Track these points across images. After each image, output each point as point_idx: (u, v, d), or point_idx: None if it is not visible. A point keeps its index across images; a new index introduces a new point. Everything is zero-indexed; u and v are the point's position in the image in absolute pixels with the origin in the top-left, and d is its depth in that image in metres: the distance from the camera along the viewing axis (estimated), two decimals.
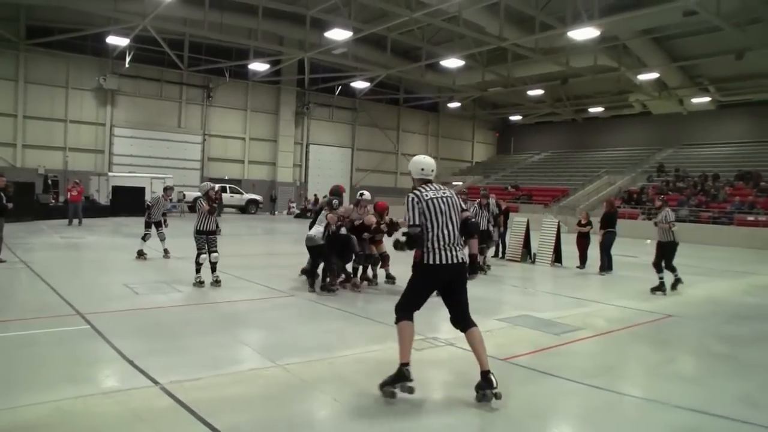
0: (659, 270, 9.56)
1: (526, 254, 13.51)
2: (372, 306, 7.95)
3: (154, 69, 30.44)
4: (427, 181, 4.46)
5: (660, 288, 9.56)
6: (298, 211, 31.99)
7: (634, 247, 13.09)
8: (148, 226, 11.67)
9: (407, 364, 4.20)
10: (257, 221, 26.25)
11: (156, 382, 4.33)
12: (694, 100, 31.99)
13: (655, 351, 6.14)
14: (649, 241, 21.33)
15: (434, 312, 7.41)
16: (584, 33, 21.08)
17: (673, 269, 9.68)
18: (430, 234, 4.31)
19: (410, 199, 4.37)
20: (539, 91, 32.86)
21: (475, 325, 4.33)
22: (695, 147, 34.02)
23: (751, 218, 23.35)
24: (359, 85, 34.03)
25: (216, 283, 8.44)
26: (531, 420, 4.08)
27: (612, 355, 5.94)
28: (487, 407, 4.14)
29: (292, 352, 5.36)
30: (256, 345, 5.80)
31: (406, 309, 4.35)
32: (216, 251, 8.48)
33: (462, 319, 4.38)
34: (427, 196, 4.36)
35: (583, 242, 12.84)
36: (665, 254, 9.62)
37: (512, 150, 45.37)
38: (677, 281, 9.80)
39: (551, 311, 7.76)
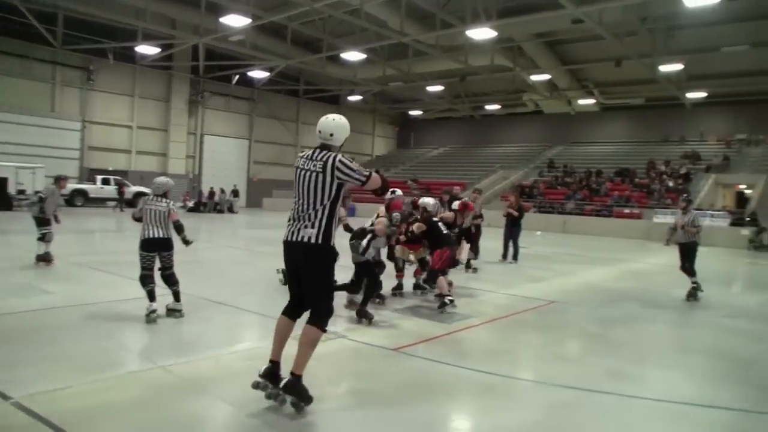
0: (691, 273, 9.03)
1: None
2: (267, 300, 7.55)
3: (17, 43, 26.72)
4: (324, 146, 3.90)
5: (697, 289, 9.03)
6: (191, 205, 30.37)
7: (525, 238, 13.81)
8: (42, 223, 9.51)
9: (272, 362, 3.92)
10: None
11: (7, 398, 3.72)
12: (581, 102, 34.26)
13: (539, 335, 6.51)
14: (539, 232, 22.48)
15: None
16: (482, 33, 21.72)
17: (691, 273, 8.97)
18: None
19: None
20: (439, 88, 33.54)
21: (313, 324, 3.80)
22: (581, 145, 36.39)
23: (627, 211, 25.49)
24: (257, 74, 32.88)
25: (175, 312, 6.27)
26: (419, 405, 4.06)
27: (499, 340, 6.17)
28: (376, 398, 4.08)
29: (176, 351, 5.00)
30: (137, 346, 5.32)
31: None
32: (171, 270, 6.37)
33: (300, 309, 3.95)
34: (297, 163, 3.93)
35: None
36: (686, 254, 9.03)
37: (412, 144, 46.10)
38: (692, 292, 8.95)
39: None
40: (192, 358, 4.85)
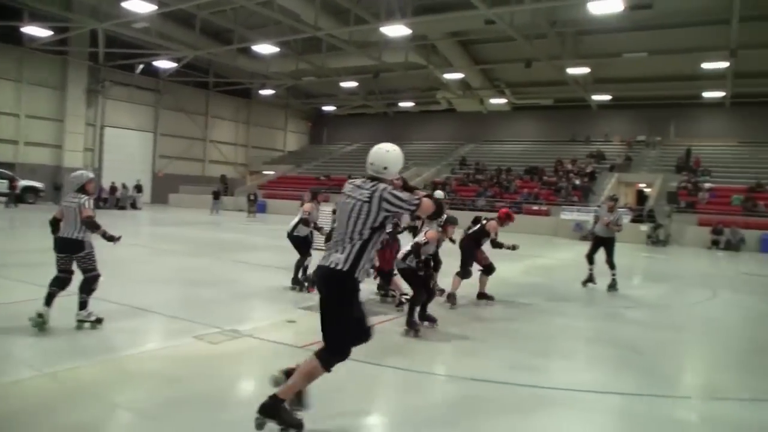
0: (591, 262, 9.82)
1: None
2: (172, 299, 7.27)
3: None
4: (375, 178, 3.53)
5: (591, 280, 9.85)
6: None
7: None
8: None
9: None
10: (36, 212, 22.44)
11: None
12: (493, 101, 35.21)
13: (449, 330, 6.54)
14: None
15: (238, 303, 6.97)
16: (396, 30, 21.75)
17: (612, 266, 9.63)
18: None
19: None
20: (353, 84, 33.36)
21: (318, 357, 3.52)
22: (493, 143, 37.54)
23: (535, 208, 26.51)
24: (164, 64, 31.10)
25: (95, 323, 5.53)
26: (328, 405, 3.96)
27: (408, 336, 6.11)
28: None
29: (67, 356, 4.58)
30: (19, 353, 4.74)
31: None
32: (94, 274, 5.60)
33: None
34: (345, 189, 3.62)
35: None
36: (606, 249, 9.66)
37: (325, 140, 45.70)
38: (614, 284, 9.69)
39: None
40: (84, 363, 4.48)
